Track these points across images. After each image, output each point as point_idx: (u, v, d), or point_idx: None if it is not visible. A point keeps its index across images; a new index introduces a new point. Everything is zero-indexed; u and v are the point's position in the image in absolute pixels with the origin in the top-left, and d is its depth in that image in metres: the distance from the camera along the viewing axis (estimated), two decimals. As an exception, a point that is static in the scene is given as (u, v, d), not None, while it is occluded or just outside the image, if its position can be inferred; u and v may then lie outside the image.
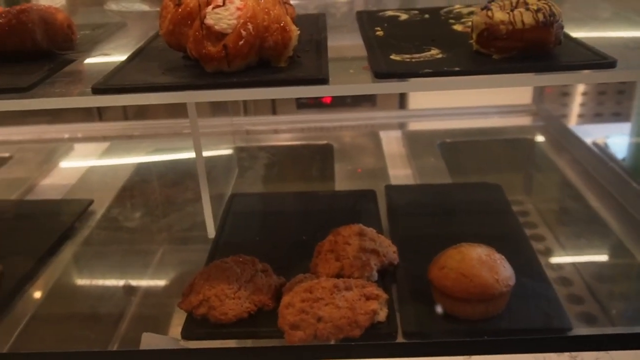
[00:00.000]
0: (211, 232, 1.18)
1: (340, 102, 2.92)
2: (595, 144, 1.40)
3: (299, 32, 0.81)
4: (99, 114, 2.24)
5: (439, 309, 0.86)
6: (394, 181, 1.39)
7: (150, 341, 0.79)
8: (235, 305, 0.85)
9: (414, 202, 1.21)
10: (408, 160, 1.50)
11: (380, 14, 1.14)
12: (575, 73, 0.72)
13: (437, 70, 0.75)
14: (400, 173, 1.44)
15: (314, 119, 1.86)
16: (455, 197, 1.23)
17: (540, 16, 0.74)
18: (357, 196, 1.26)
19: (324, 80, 0.75)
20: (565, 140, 1.49)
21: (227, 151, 1.61)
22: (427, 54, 0.83)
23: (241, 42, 0.76)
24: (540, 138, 1.57)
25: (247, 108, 2.66)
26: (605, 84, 1.77)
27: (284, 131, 1.80)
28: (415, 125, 1.80)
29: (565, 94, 2.36)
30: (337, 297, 0.82)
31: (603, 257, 1.16)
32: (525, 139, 1.58)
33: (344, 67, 0.83)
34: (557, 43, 0.77)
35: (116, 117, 2.23)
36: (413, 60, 0.80)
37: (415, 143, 1.59)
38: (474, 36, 0.81)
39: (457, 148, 1.56)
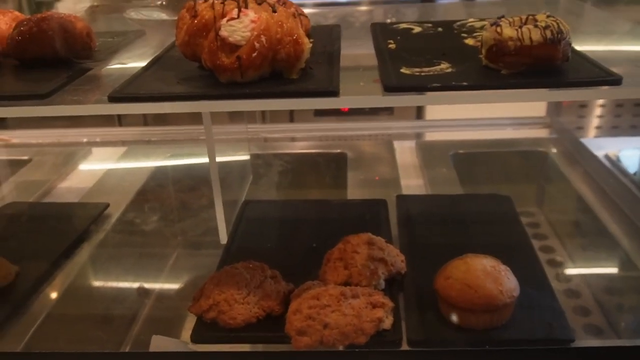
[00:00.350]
0: (223, 237, 1.20)
1: (357, 111, 2.95)
2: (607, 157, 1.40)
3: (311, 44, 0.83)
4: (119, 119, 2.28)
5: (444, 319, 0.87)
6: (405, 191, 1.40)
7: (159, 343, 0.82)
8: (244, 310, 0.87)
9: (424, 212, 1.22)
10: (421, 171, 1.51)
11: (394, 26, 1.16)
12: (580, 90, 0.73)
13: (445, 84, 0.76)
14: (412, 183, 1.46)
15: (330, 127, 1.88)
16: (465, 207, 1.24)
17: (548, 33, 0.76)
18: (369, 205, 1.28)
19: (334, 93, 0.77)
20: (578, 153, 1.49)
21: (242, 158, 1.64)
22: (437, 67, 0.84)
23: (254, 54, 0.78)
24: (553, 150, 1.57)
25: (265, 116, 2.69)
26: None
27: (300, 139, 1.82)
28: (429, 136, 1.82)
29: (583, 106, 2.36)
30: (343, 304, 0.84)
31: (611, 270, 1.16)
32: (538, 152, 1.58)
33: (355, 79, 0.85)
34: (564, 59, 0.78)
35: (136, 123, 2.27)
36: (422, 74, 0.81)
37: (429, 153, 1.60)
38: (484, 51, 0.82)
39: (469, 159, 1.57)
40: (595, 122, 2.34)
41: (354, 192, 1.42)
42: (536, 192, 1.47)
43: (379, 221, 1.20)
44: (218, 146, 1.27)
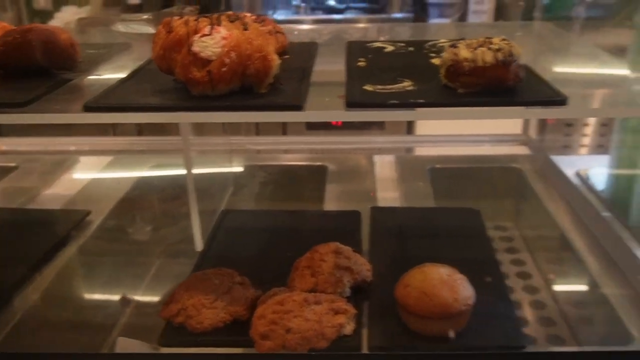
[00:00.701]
0: (199, 245, 1.23)
1: (349, 126, 3.00)
2: (578, 174, 1.45)
3: (280, 61, 0.88)
4: (114, 129, 2.33)
5: (404, 326, 0.91)
6: (381, 203, 1.44)
7: (125, 345, 0.85)
8: (211, 314, 0.90)
9: (395, 223, 1.26)
10: (397, 184, 1.55)
11: (369, 44, 1.20)
12: (527, 109, 0.78)
13: (402, 101, 0.81)
14: (388, 196, 1.49)
15: (316, 141, 1.92)
16: (435, 220, 1.28)
17: (500, 55, 0.80)
18: (343, 216, 1.32)
19: (298, 107, 0.81)
20: (549, 170, 1.54)
21: (224, 169, 1.68)
22: (400, 85, 0.89)
23: (224, 69, 0.82)
24: (527, 167, 1.61)
25: (259, 129, 2.75)
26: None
27: (285, 152, 1.86)
28: (411, 151, 1.86)
29: (569, 125, 2.41)
30: (306, 310, 0.87)
31: (575, 284, 1.20)
32: (512, 168, 1.62)
33: (322, 95, 0.89)
34: (517, 80, 0.83)
35: (129, 132, 2.31)
36: (384, 91, 0.86)
37: (407, 168, 1.64)
38: (443, 71, 0.86)
39: (446, 174, 1.61)
40: (581, 140, 2.40)
41: (331, 203, 1.46)
42: (508, 207, 1.51)
43: (351, 232, 1.23)
44: (201, 157, 1.31)
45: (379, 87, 0.88)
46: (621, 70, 1.04)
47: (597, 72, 1.02)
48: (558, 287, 1.21)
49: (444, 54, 0.87)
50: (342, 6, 3.55)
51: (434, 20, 3.26)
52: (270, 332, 0.85)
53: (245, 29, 0.87)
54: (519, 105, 0.78)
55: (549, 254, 1.32)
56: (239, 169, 1.68)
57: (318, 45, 1.19)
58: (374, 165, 1.70)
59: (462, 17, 3.16)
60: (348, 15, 3.49)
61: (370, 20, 3.43)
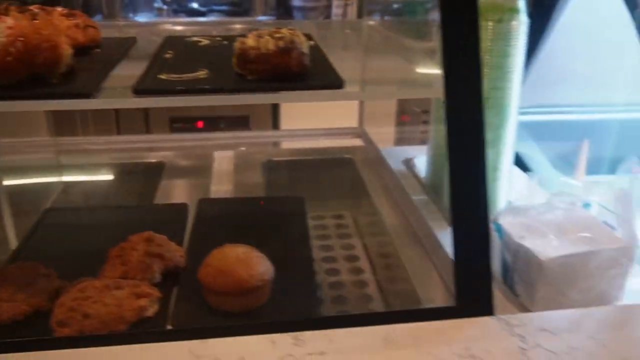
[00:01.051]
0: (13, 243, 1.21)
1: (213, 125, 3.01)
2: (404, 163, 1.54)
3: (72, 51, 0.89)
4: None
5: (209, 305, 0.94)
6: (214, 196, 1.47)
7: None
8: (9, 307, 0.90)
9: (220, 213, 1.30)
10: (232, 178, 1.59)
11: (187, 39, 1.23)
12: (303, 93, 0.84)
13: (189, 87, 0.84)
14: (221, 189, 1.53)
15: (157, 139, 1.91)
16: (258, 208, 1.33)
17: (281, 43, 0.86)
18: (171, 209, 1.33)
19: (86, 95, 0.82)
20: (377, 161, 1.63)
21: (53, 168, 1.64)
22: (194, 74, 0.92)
23: (9, 58, 0.82)
24: (357, 158, 1.70)
25: (120, 127, 2.70)
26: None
27: (125, 150, 1.84)
28: (254, 146, 1.90)
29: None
30: (106, 295, 0.89)
31: (391, 263, 1.29)
32: (342, 159, 1.71)
33: (118, 85, 0.91)
34: (301, 67, 0.89)
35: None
36: (177, 79, 0.89)
37: (244, 162, 1.68)
38: (234, 60, 0.91)
39: (280, 166, 1.67)
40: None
41: (163, 198, 1.47)
42: (335, 195, 1.59)
43: (177, 222, 1.26)
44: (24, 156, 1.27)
45: (174, 76, 0.91)
46: (412, 64, 1.14)
47: (388, 64, 1.11)
48: (378, 269, 1.29)
49: (236, 44, 0.91)
50: (205, 9, 3.55)
51: (298, 24, 3.33)
52: (68, 319, 0.86)
53: (35, 19, 0.87)
54: (297, 90, 0.84)
55: (372, 238, 1.40)
56: (68, 167, 1.65)
57: (137, 40, 1.21)
58: (214, 160, 1.72)
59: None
60: (211, 18, 3.49)
61: (232, 23, 3.45)
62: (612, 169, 1.31)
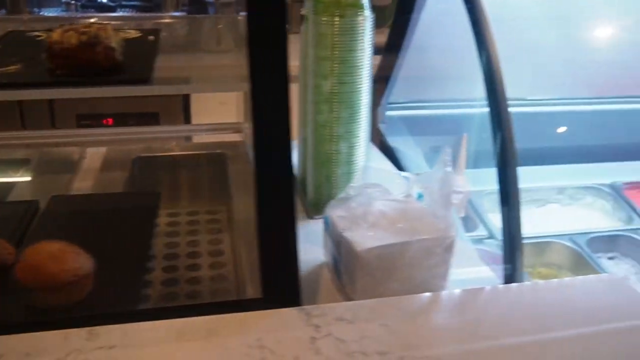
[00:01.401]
0: None
1: (120, 121, 2.95)
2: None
3: None
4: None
5: (22, 301, 0.94)
6: (74, 192, 1.45)
7: None
8: None
9: (69, 210, 1.29)
10: (97, 174, 1.57)
11: (29, 33, 1.21)
12: (106, 88, 0.84)
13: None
14: (82, 185, 1.51)
15: (27, 135, 1.86)
16: (109, 205, 1.32)
17: (84, 37, 0.86)
18: (19, 206, 1.31)
19: None
20: (246, 156, 1.64)
21: None
22: (6, 68, 0.91)
23: None
24: (230, 153, 1.71)
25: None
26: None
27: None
28: (128, 143, 1.88)
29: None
30: None
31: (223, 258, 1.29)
32: (215, 154, 1.71)
33: None
34: (110, 62, 0.89)
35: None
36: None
37: (113, 158, 1.66)
38: (44, 54, 0.90)
39: (149, 162, 1.66)
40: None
41: (20, 195, 1.44)
42: (199, 192, 1.59)
43: (24, 220, 1.23)
44: None
45: (-17, 69, 0.90)
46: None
47: (222, 61, 1.12)
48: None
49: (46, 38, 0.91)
50: (114, 4, 3.48)
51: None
52: None
53: None
54: (98, 85, 0.84)
55: (218, 235, 1.38)
56: None
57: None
58: (85, 157, 1.70)
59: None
60: (121, 13, 3.42)
61: (142, 19, 3.39)
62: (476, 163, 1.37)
